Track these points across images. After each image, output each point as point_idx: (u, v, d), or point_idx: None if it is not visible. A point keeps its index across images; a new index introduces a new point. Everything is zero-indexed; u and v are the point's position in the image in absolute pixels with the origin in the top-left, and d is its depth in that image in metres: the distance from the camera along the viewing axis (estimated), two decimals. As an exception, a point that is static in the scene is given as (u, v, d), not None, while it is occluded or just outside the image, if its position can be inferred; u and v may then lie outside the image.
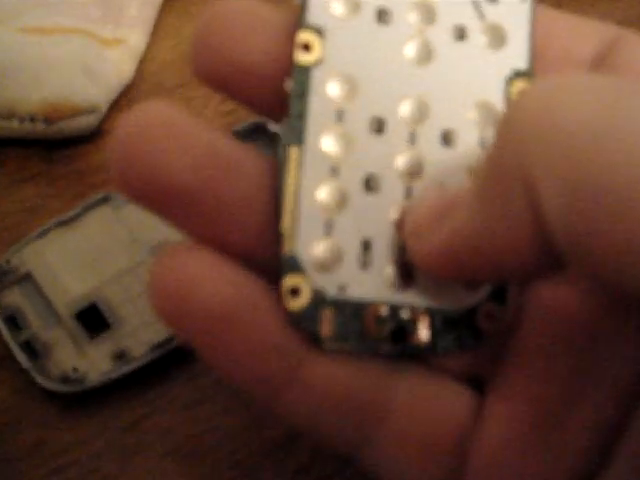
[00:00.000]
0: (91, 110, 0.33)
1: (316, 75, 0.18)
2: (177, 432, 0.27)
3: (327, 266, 0.18)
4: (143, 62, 0.36)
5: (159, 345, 0.27)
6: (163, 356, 0.27)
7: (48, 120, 0.32)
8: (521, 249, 0.15)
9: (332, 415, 0.19)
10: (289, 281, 0.18)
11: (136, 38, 0.36)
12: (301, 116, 0.18)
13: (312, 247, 0.18)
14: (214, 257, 0.18)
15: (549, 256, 0.15)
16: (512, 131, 0.15)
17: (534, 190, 0.14)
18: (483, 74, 0.19)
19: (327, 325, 0.18)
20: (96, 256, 0.29)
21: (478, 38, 0.19)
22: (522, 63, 0.19)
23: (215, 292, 0.17)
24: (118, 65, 0.35)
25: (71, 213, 0.30)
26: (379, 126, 0.19)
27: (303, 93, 0.18)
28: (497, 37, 0.19)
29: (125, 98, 0.35)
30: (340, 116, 0.18)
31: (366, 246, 0.18)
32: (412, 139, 0.19)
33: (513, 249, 0.15)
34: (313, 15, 0.19)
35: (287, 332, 0.18)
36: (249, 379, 0.18)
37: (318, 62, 0.18)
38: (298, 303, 0.18)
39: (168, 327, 0.18)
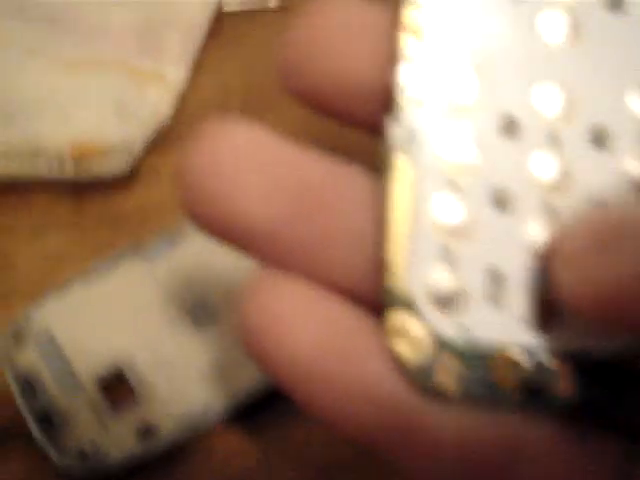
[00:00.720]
0: (124, 150, 0.31)
1: (427, 64, 0.15)
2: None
3: (446, 303, 0.15)
4: (183, 100, 0.35)
5: (191, 422, 0.24)
6: (196, 434, 0.24)
7: (77, 160, 0.30)
8: None
9: (458, 471, 0.16)
10: (397, 321, 0.15)
11: (176, 73, 0.35)
12: (412, 115, 0.15)
13: (427, 279, 0.15)
14: (311, 290, 0.16)
15: None
16: None
17: None
18: None
19: (446, 375, 0.15)
20: (124, 315, 0.27)
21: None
22: None
23: (311, 334, 0.15)
24: (155, 102, 0.33)
25: (98, 265, 0.27)
26: (511, 125, 0.15)
27: (410, 89, 0.15)
28: None
29: (162, 138, 0.33)
30: (461, 114, 0.15)
31: (496, 278, 0.15)
32: (555, 140, 0.15)
33: None
34: None
35: (396, 380, 0.16)
36: (354, 433, 0.16)
37: (426, 48, 0.15)
38: (409, 349, 0.15)
39: (259, 369, 0.16)
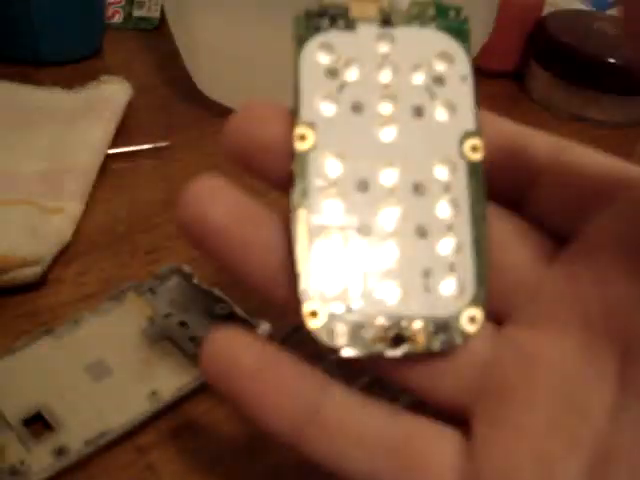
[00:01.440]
0: (36, 262, 0.40)
1: (312, 157, 0.23)
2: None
3: (337, 294, 0.22)
4: (80, 224, 0.44)
5: (92, 440, 0.33)
6: (97, 450, 0.33)
7: (0, 270, 0.39)
8: None
9: (348, 450, 0.23)
10: (308, 307, 0.22)
11: (74, 207, 0.44)
12: (304, 188, 0.23)
13: (324, 281, 0.22)
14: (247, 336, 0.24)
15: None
16: None
17: None
18: (442, 137, 0.24)
19: (342, 337, 0.22)
20: (40, 375, 0.35)
21: (433, 112, 0.24)
22: (470, 125, 0.24)
23: (248, 355, 0.23)
24: (59, 228, 0.43)
25: (18, 343, 0.36)
26: (364, 186, 0.23)
27: (304, 172, 0.23)
28: (448, 109, 0.24)
29: (65, 253, 0.43)
30: (334, 184, 0.23)
31: (365, 277, 0.23)
32: (391, 193, 0.23)
33: None
34: (305, 113, 0.23)
35: (305, 380, 0.23)
36: (274, 422, 0.23)
37: (312, 148, 0.23)
38: (317, 323, 0.22)
39: (217, 390, 0.23)
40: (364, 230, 0.23)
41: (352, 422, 0.23)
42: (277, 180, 0.24)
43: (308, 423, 0.23)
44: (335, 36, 0.24)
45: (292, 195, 0.23)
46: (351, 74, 0.24)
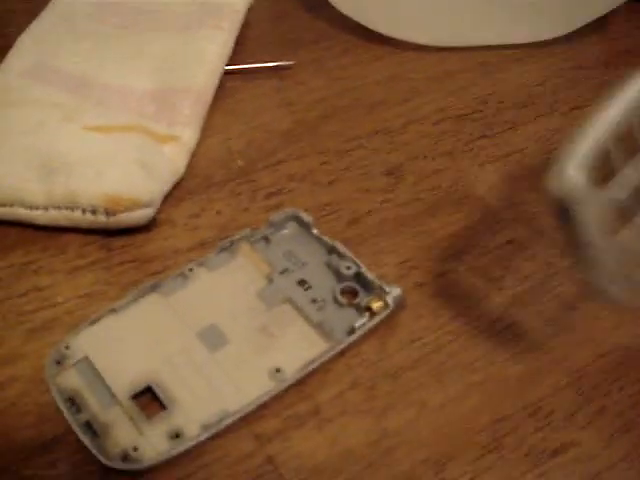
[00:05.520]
0: (147, 203, 0.35)
1: None
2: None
3: None
4: (194, 157, 0.39)
5: (211, 425, 0.29)
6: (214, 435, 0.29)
7: (108, 212, 0.34)
8: None
9: None
10: None
11: (188, 135, 0.39)
12: None
13: None
14: None
15: None
16: None
17: None
18: None
19: None
20: (148, 340, 0.31)
21: None
22: None
23: None
24: (172, 160, 0.38)
25: (122, 301, 0.32)
26: None
27: None
28: None
29: (177, 190, 0.38)
30: None
31: None
32: None
33: None
34: None
35: None
36: None
37: None
38: None
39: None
40: None
41: None
42: None
43: None
44: None
45: None
46: None
